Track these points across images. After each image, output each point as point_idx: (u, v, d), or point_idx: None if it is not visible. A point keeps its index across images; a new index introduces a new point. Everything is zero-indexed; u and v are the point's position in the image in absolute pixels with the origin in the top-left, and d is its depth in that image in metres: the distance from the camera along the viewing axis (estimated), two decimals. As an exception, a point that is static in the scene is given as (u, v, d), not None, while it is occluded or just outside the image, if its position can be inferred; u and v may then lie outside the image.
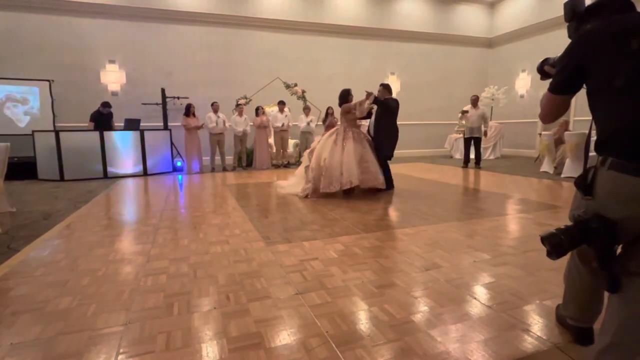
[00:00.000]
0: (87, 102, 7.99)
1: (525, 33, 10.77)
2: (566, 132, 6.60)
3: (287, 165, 9.00)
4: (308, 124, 8.88)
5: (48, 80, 8.09)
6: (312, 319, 1.73)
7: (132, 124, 7.41)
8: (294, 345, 1.52)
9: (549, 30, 10.03)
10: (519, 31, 10.92)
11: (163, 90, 8.35)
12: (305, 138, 9.03)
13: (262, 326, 1.67)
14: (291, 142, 9.25)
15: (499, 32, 11.64)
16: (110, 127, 7.38)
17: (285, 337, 1.58)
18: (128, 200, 5.16)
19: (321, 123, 9.18)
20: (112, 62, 8.69)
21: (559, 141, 6.88)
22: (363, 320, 1.72)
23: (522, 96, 11.02)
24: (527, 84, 10.83)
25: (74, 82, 8.41)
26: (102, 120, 7.34)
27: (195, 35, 9.22)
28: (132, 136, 7.32)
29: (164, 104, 8.41)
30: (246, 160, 8.74)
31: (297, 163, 9.11)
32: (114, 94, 8.72)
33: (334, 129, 5.46)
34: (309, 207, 4.30)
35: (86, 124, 7.37)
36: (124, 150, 7.26)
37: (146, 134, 7.48)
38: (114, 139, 7.17)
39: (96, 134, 6.99)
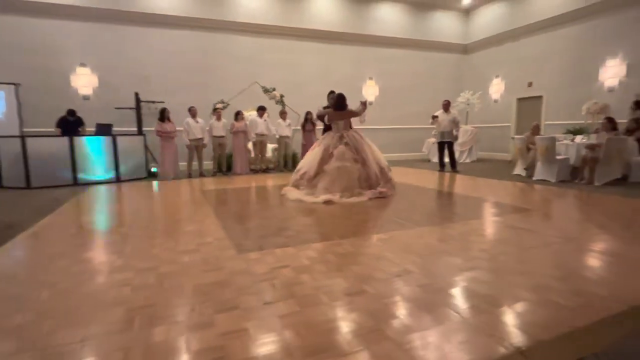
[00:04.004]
0: (56, 106, 7.72)
1: (498, 40, 11.10)
2: (537, 136, 6.80)
3: (266, 170, 8.92)
4: (284, 132, 8.86)
5: (14, 84, 7.78)
6: (279, 329, 1.68)
7: (103, 129, 7.20)
8: (257, 358, 1.48)
9: (521, 37, 10.37)
10: (493, 38, 11.24)
11: (137, 94, 8.15)
12: (285, 142, 8.99)
13: (227, 339, 1.61)
14: (270, 147, 9.18)
15: (474, 39, 11.95)
16: (77, 135, 7.12)
17: (249, 349, 1.53)
18: (97, 208, 4.98)
19: (300, 128, 9.20)
20: (83, 65, 8.43)
21: (531, 145, 7.08)
22: (330, 329, 1.69)
23: (496, 101, 11.33)
24: (501, 89, 11.15)
25: (43, 85, 8.12)
26: (69, 127, 7.09)
27: (171, 38, 9.07)
28: (103, 141, 7.10)
29: (138, 108, 8.22)
30: (225, 166, 8.61)
31: (277, 168, 9.06)
32: (86, 98, 8.47)
33: (336, 134, 5.24)
34: (285, 213, 4.26)
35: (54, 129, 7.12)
36: (95, 156, 7.03)
37: (119, 139, 7.27)
38: (84, 144, 6.93)
39: (65, 140, 6.75)
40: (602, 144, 5.97)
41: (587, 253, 2.75)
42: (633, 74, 8.00)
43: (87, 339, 1.64)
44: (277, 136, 8.86)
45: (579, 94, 8.81)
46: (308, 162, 5.29)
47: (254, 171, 8.79)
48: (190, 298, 2.03)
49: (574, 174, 6.44)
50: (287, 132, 8.90)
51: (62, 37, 8.22)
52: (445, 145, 8.29)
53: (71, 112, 7.17)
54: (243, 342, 1.59)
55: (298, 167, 5.53)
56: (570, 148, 6.67)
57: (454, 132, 8.17)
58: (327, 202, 4.52)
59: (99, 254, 2.87)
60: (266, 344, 1.58)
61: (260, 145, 8.72)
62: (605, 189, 5.56)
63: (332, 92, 5.60)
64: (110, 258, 2.73)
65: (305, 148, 9.25)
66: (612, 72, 8.35)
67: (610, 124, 6.34)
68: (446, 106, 8.29)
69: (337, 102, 5.18)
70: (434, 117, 8.37)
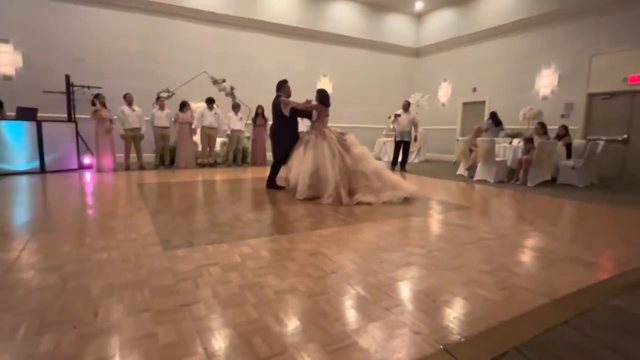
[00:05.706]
0: (-31, 85, 6.81)
1: (447, 45, 11.54)
2: (478, 139, 7.11)
3: (214, 165, 8.55)
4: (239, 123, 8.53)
5: None
6: (191, 334, 1.51)
7: (26, 114, 6.45)
8: (160, 368, 1.30)
9: (467, 44, 10.85)
10: (442, 43, 11.66)
11: (68, 77, 7.41)
12: (236, 136, 8.65)
13: (128, 347, 1.41)
14: (219, 141, 8.80)
15: (425, 43, 12.32)
16: None
17: (151, 358, 1.35)
18: (9, 200, 4.41)
19: (250, 122, 8.91)
20: (4, 41, 7.52)
21: (473, 146, 7.40)
22: (251, 331, 1.54)
23: (443, 104, 11.78)
24: (448, 93, 11.61)
25: (-47, 61, 7.13)
26: None
27: (110, 19, 8.37)
28: (25, 127, 6.37)
29: (69, 92, 7.47)
30: (169, 158, 8.10)
31: (226, 162, 8.71)
32: (7, 78, 7.57)
33: (316, 133, 4.98)
34: (224, 208, 4.04)
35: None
36: (15, 143, 6.28)
37: (45, 125, 6.56)
38: (1, 129, 6.16)
39: (-22, 123, 5.96)
40: (535, 147, 6.36)
41: (516, 248, 2.85)
42: (563, 84, 8.66)
43: (-48, 352, 1.36)
44: (229, 130, 8.50)
45: (518, 101, 9.39)
46: (326, 164, 4.69)
47: (201, 165, 8.38)
48: (96, 300, 1.79)
49: (510, 175, 6.82)
50: (239, 125, 8.57)
51: (-21, 8, 7.28)
52: (402, 144, 8.41)
53: (-13, 93, 6.36)
54: (145, 349, 1.40)
55: (314, 176, 4.64)
56: (507, 150, 7.05)
57: (413, 133, 8.34)
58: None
59: (-3, 252, 2.49)
60: (174, 350, 1.40)
61: (208, 138, 8.33)
62: (536, 189, 5.93)
63: (285, 81, 5.34)
64: (10, 255, 2.37)
65: (255, 143, 8.99)
66: (546, 82, 8.99)
67: (542, 128, 6.78)
68: (406, 106, 8.44)
69: (328, 98, 5.22)
70: (397, 116, 8.45)
